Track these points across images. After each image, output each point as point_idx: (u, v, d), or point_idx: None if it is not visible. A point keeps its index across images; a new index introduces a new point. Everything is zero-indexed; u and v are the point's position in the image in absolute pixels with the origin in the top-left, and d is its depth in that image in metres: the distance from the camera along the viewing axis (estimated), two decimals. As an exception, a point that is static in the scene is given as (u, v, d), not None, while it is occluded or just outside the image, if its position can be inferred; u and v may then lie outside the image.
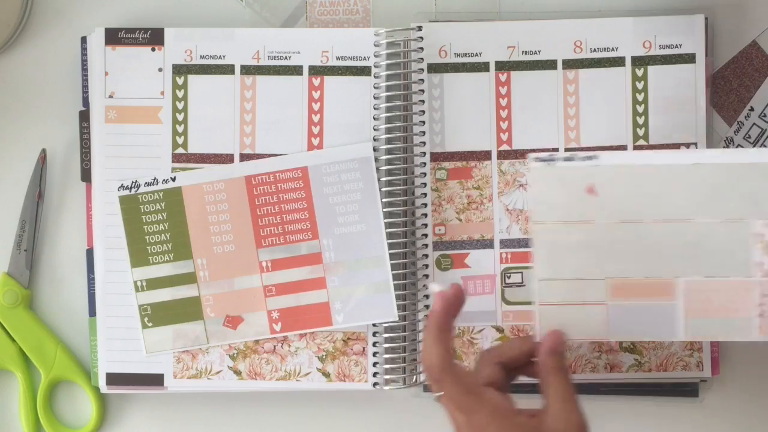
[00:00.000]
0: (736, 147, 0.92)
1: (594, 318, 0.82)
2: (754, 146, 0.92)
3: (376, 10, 0.94)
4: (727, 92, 0.92)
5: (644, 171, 0.81)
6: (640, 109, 0.91)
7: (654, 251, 0.82)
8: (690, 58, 0.91)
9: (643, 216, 0.81)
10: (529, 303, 0.91)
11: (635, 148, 0.91)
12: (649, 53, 0.91)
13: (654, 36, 0.91)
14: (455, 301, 0.80)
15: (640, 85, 0.91)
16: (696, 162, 0.81)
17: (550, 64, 0.91)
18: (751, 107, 0.92)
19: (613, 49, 0.91)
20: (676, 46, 0.91)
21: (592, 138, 0.91)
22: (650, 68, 0.91)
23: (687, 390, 0.91)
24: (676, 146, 0.91)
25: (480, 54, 0.92)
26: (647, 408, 0.92)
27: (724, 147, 0.92)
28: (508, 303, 0.91)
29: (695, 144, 0.91)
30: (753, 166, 0.81)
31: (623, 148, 0.91)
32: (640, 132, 0.91)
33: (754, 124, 0.92)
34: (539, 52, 0.91)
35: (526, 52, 0.91)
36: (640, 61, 0.91)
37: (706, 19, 0.90)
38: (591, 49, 0.91)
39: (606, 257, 0.82)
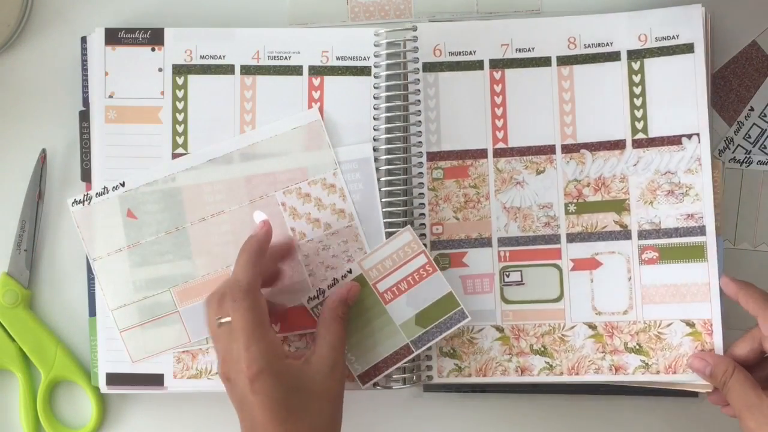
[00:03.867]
0: (735, 147, 0.91)
1: (172, 327, 0.91)
2: (754, 146, 0.91)
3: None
4: (727, 92, 0.92)
5: (169, 186, 0.91)
6: (638, 102, 0.90)
7: (204, 250, 0.90)
8: (688, 48, 0.90)
9: (182, 222, 0.90)
10: (529, 302, 0.90)
11: (634, 141, 0.90)
12: (645, 46, 0.90)
13: (649, 28, 0.90)
14: (269, 232, 0.87)
15: (636, 79, 0.90)
16: (211, 158, 0.91)
17: (545, 61, 0.91)
18: (751, 107, 0.92)
19: (607, 44, 0.91)
20: (673, 37, 0.90)
21: (589, 134, 0.91)
22: (647, 61, 0.90)
23: (686, 390, 0.91)
24: (677, 138, 0.90)
25: (474, 52, 0.92)
26: (646, 407, 0.92)
27: (723, 147, 0.92)
28: (507, 302, 0.91)
29: (697, 135, 0.90)
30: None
31: (622, 142, 0.91)
32: (639, 125, 0.90)
33: (754, 124, 0.92)
34: (533, 49, 0.91)
35: (519, 50, 0.91)
36: (636, 55, 0.90)
37: (706, 15, 0.90)
38: (585, 44, 0.91)
39: (163, 269, 0.91)
